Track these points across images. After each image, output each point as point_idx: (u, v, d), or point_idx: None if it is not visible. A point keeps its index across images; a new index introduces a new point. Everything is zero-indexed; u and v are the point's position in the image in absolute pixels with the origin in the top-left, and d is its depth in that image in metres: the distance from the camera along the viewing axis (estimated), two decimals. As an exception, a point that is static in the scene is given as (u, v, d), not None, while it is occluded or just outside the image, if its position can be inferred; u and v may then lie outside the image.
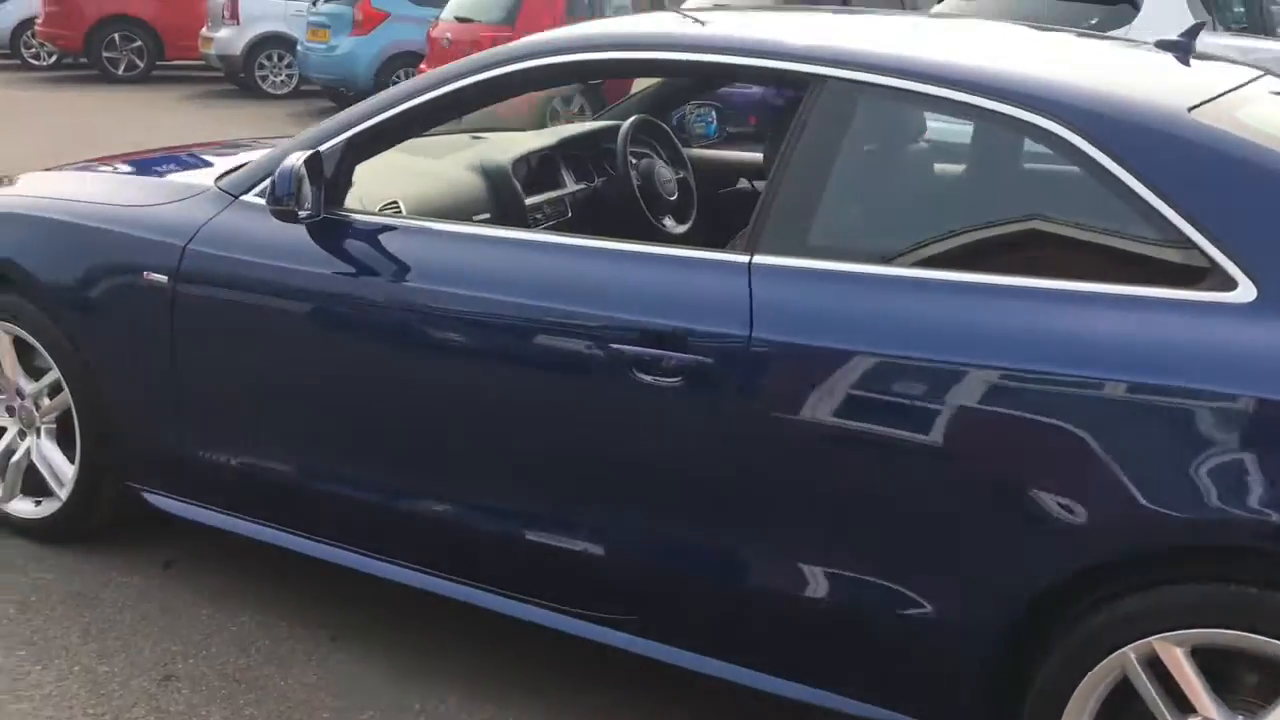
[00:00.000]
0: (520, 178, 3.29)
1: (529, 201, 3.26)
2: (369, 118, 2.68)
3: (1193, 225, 1.87)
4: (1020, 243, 2.09)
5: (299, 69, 13.70)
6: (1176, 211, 1.89)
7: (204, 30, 15.02)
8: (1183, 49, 2.45)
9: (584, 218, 3.43)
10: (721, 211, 3.71)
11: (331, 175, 2.63)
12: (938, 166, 2.52)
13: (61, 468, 3.10)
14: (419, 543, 2.62)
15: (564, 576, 2.43)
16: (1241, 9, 7.83)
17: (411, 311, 2.47)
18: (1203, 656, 1.83)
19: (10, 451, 3.19)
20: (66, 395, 3.01)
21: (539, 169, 3.43)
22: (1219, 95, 2.15)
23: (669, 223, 3.56)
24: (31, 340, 3.02)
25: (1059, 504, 1.86)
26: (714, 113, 4.45)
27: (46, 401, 3.09)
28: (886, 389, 2.02)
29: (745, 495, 2.17)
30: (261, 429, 2.76)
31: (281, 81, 14.63)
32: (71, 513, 3.10)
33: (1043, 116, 2.00)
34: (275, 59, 14.55)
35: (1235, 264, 1.83)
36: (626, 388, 2.23)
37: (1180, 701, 1.85)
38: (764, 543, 2.18)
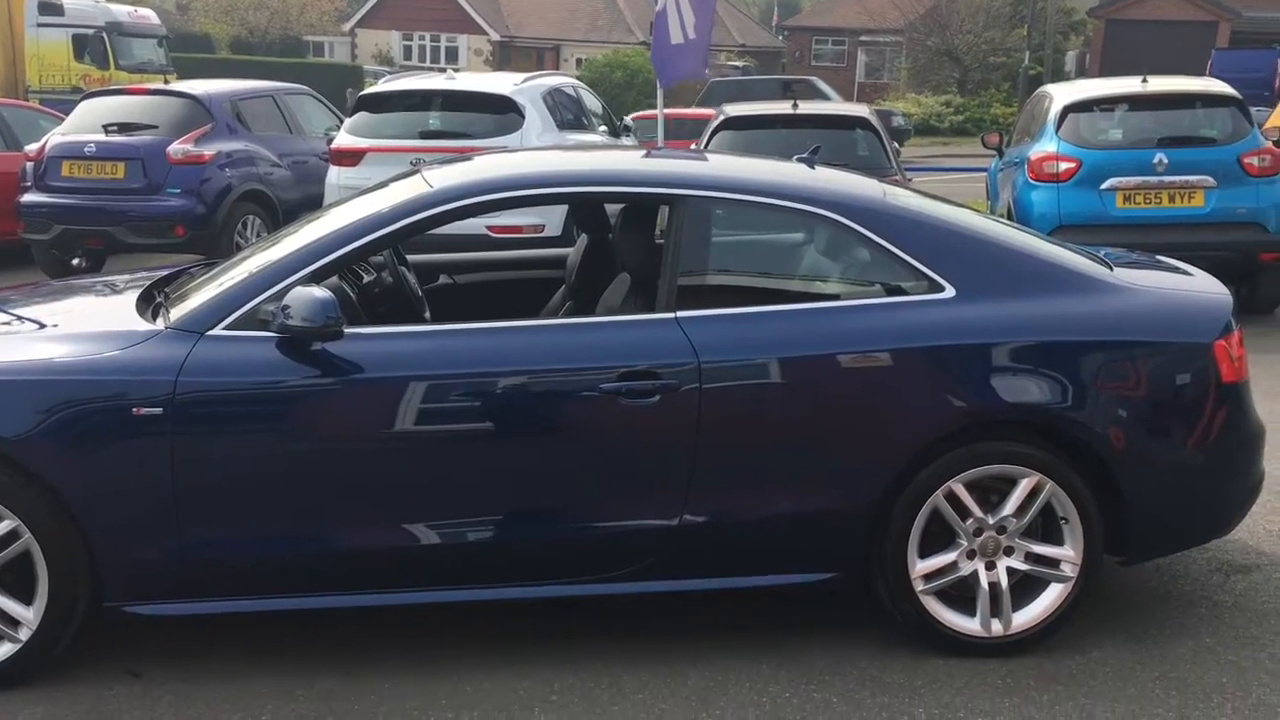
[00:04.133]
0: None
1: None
2: (330, 252, 3.43)
3: (915, 258, 3.56)
4: (823, 281, 3.66)
5: None
6: (905, 252, 3.56)
7: None
8: (810, 163, 4.18)
9: (371, 312, 4.28)
10: (435, 301, 4.73)
11: None
12: (770, 245, 3.96)
13: (18, 612, 3.27)
14: (438, 569, 3.43)
15: (586, 551, 3.46)
16: (571, 116, 10.24)
17: (444, 391, 3.32)
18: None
19: (-67, 621, 3.26)
20: (25, 542, 3.22)
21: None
22: (882, 184, 3.91)
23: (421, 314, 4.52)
24: (-22, 498, 3.19)
25: None
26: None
27: (-17, 561, 3.25)
28: (782, 380, 3.44)
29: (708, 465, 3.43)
30: (266, 521, 3.33)
31: None
32: (35, 649, 3.29)
33: (829, 210, 3.58)
34: None
35: (941, 276, 3.55)
36: (617, 409, 3.37)
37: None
38: (711, 490, 3.46)
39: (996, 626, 3.59)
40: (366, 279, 4.48)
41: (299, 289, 3.29)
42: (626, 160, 3.92)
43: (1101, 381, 3.55)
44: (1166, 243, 6.72)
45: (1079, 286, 3.67)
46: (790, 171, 3.96)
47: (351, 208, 3.76)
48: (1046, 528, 3.63)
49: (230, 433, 3.30)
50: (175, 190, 9.27)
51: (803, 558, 3.57)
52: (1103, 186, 8.33)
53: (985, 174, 11.87)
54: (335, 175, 9.04)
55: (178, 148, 9.37)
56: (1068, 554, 3.59)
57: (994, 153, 10.79)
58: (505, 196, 3.58)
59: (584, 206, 4.56)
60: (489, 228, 8.40)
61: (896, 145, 10.06)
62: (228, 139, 9.74)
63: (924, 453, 3.48)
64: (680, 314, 3.47)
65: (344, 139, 9.10)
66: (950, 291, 3.56)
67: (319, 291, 3.26)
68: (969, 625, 3.59)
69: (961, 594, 3.62)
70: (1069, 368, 3.54)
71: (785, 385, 3.46)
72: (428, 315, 4.56)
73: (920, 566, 3.55)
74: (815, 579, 3.58)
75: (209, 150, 9.49)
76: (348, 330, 3.34)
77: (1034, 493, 3.54)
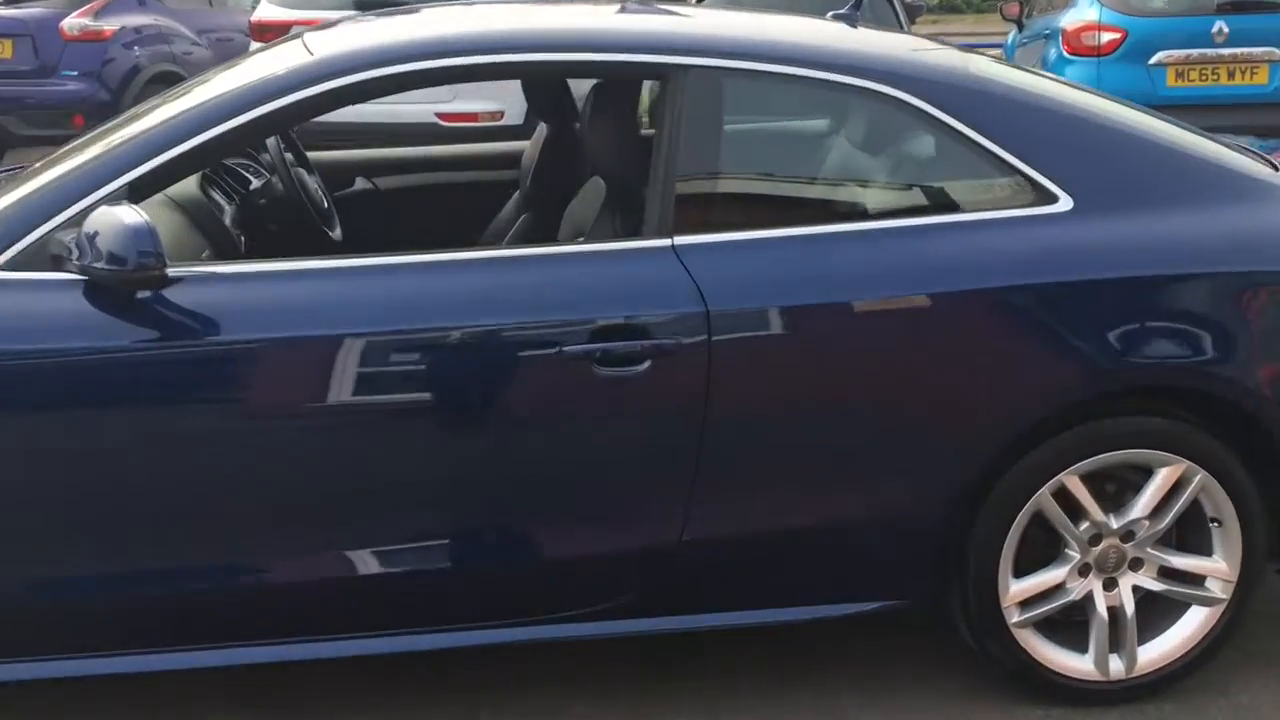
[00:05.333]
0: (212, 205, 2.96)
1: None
2: (151, 155, 2.30)
3: (1017, 155, 2.47)
4: (884, 190, 2.56)
5: None
6: (1003, 147, 2.47)
7: None
8: (850, 19, 3.05)
9: (253, 238, 3.17)
10: (349, 213, 3.61)
11: None
12: (807, 135, 2.86)
13: None
14: (333, 611, 2.40)
15: (549, 584, 2.44)
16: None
17: (326, 362, 2.24)
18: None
19: None
20: None
21: (204, 193, 3.10)
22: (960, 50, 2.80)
23: (326, 231, 3.41)
24: None
25: None
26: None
27: None
28: (827, 336, 2.38)
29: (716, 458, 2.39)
30: (80, 552, 2.29)
31: None
32: None
33: (892, 86, 2.47)
34: None
35: (1054, 182, 2.48)
36: (588, 381, 2.30)
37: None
38: (724, 494, 2.42)
39: (1117, 665, 2.60)
40: (254, 183, 3.37)
41: (103, 211, 2.17)
42: (597, 17, 2.79)
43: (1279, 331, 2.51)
44: (1224, 125, 5.70)
45: (1244, 195, 2.60)
46: (830, 33, 2.82)
47: (203, 89, 2.62)
48: (1183, 532, 2.63)
49: (13, 425, 2.22)
50: (72, 72, 8.03)
51: (853, 582, 2.55)
52: (1151, 61, 7.22)
53: (1000, 51, 10.67)
54: (258, 53, 7.77)
55: (74, 22, 8.08)
56: (1218, 567, 2.59)
57: (1012, 25, 9.62)
58: (415, 70, 2.41)
59: (539, 84, 3.40)
60: (439, 115, 7.21)
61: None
62: (134, 11, 8.47)
63: (1026, 434, 2.45)
64: (680, 240, 2.38)
65: (266, 10, 7.82)
66: (1066, 203, 2.47)
67: (128, 215, 2.14)
68: (1080, 665, 2.60)
69: (1067, 619, 2.63)
70: (1233, 312, 2.49)
71: (830, 343, 2.39)
72: (337, 233, 3.46)
73: (1016, 589, 2.54)
74: (870, 609, 2.57)
75: (111, 25, 8.21)
76: (178, 271, 2.25)
77: (1178, 486, 2.52)
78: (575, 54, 2.52)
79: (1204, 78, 7.22)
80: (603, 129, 2.69)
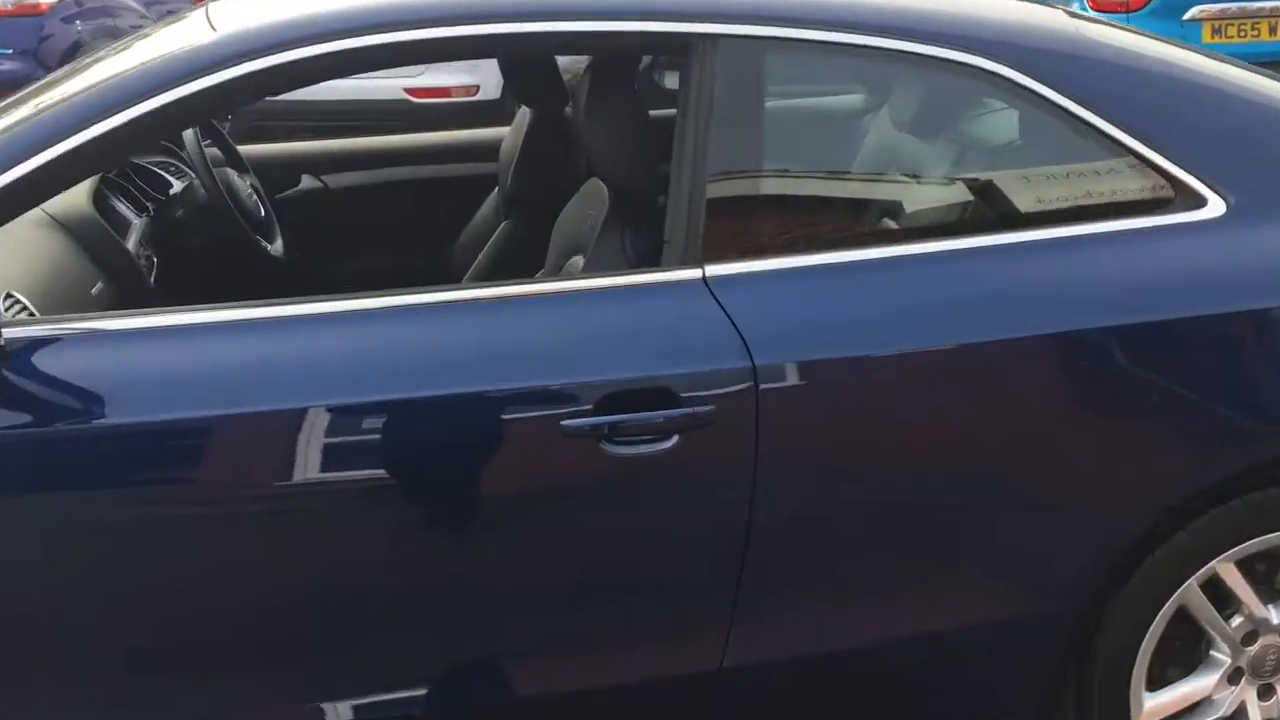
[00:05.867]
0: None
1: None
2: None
3: (1153, 147, 1.89)
4: (979, 195, 1.96)
5: None
6: (1135, 136, 1.88)
7: None
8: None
9: (170, 258, 2.57)
10: (292, 218, 3.01)
11: None
12: (876, 128, 2.25)
13: None
14: None
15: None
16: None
17: (247, 452, 1.66)
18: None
19: None
20: None
21: (98, 205, 2.49)
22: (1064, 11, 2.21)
23: (263, 244, 2.82)
24: None
25: None
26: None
27: None
28: (910, 397, 1.80)
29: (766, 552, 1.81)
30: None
31: None
32: None
33: (990, 59, 1.86)
34: None
35: (1203, 180, 1.89)
36: (596, 464, 1.72)
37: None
38: (774, 606, 1.85)
39: (1275, 795, 2.05)
40: (175, 187, 2.76)
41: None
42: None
43: None
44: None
45: None
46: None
47: (75, 81, 1.99)
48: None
49: None
50: (6, 50, 7.54)
51: (941, 704, 1.99)
52: (1185, 16, 6.64)
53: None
54: (209, 26, 7.12)
55: (5, -7, 7.54)
56: (1405, 669, 2.04)
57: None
58: (349, 48, 1.77)
59: (518, 60, 2.77)
60: (408, 90, 6.57)
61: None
62: (74, -19, 7.89)
63: (1171, 512, 1.88)
64: (713, 269, 1.79)
65: (216, -23, 7.15)
66: (1218, 206, 1.89)
67: None
68: (1227, 795, 2.06)
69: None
70: None
71: (915, 405, 1.81)
72: (277, 245, 2.86)
73: (1151, 705, 1.99)
74: (964, 736, 2.01)
75: (47, -4, 7.66)
76: (47, 329, 1.67)
77: (1359, 571, 1.97)
78: (568, 23, 1.88)
79: (1243, 34, 6.63)
80: (603, 118, 2.08)
